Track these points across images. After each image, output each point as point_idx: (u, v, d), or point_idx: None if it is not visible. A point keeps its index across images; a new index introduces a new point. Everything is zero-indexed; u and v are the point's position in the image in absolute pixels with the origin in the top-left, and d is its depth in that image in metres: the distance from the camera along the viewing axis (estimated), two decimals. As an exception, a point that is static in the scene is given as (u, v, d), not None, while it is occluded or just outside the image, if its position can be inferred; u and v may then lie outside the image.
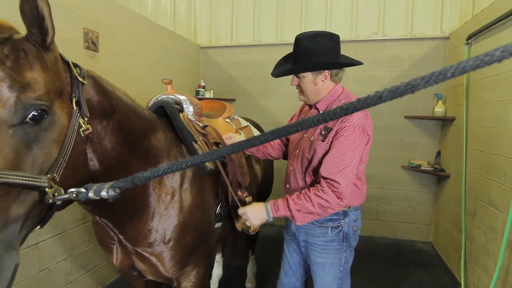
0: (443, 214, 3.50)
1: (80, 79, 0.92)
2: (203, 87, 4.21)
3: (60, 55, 0.90)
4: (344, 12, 3.93)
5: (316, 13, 4.01)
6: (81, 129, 0.88)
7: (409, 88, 0.38)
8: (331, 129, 1.42)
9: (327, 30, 3.96)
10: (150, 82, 3.24)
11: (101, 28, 2.58)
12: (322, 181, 1.37)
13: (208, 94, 4.16)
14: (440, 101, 3.54)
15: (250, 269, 2.75)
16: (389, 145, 3.87)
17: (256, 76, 4.23)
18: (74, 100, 0.88)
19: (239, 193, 1.73)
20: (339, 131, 1.39)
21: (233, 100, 4.26)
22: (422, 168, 3.61)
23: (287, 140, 1.88)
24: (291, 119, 1.90)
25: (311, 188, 1.40)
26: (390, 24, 3.80)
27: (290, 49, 1.55)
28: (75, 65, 0.94)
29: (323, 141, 1.43)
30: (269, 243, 3.66)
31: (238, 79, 4.31)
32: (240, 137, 1.78)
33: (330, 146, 1.40)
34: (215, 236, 1.64)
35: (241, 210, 1.49)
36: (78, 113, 0.87)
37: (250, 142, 0.50)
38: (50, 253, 2.25)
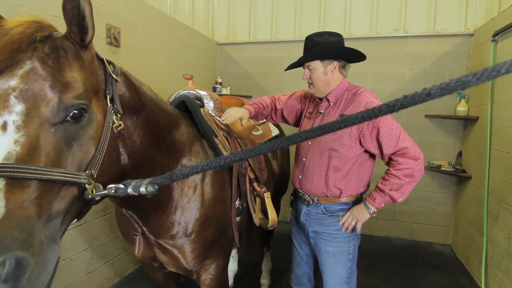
0: (463, 216, 3.41)
1: (114, 76, 0.94)
2: (220, 83, 4.22)
3: (96, 53, 0.91)
4: (364, 7, 3.85)
5: (335, 9, 3.95)
6: (114, 126, 0.89)
7: (459, 85, 0.37)
8: None
9: (347, 26, 3.94)
10: (168, 77, 3.28)
11: (122, 24, 2.61)
12: (393, 157, 1.46)
13: (225, 91, 4.17)
14: (463, 100, 3.43)
15: (265, 265, 2.75)
16: (407, 144, 3.78)
17: (273, 73, 4.21)
18: (108, 97, 0.89)
19: (257, 188, 1.73)
20: (375, 120, 1.45)
21: (250, 96, 4.25)
22: (442, 168, 3.52)
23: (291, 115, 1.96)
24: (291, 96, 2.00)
25: (389, 167, 1.49)
26: (412, 21, 3.70)
27: (308, 46, 1.63)
28: (109, 62, 0.96)
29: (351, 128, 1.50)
30: (284, 240, 3.65)
31: (255, 76, 4.31)
32: (237, 108, 1.78)
33: (371, 135, 1.47)
34: (234, 231, 1.65)
35: (343, 219, 1.57)
36: (112, 110, 0.89)
37: (291, 139, 0.50)
38: (72, 243, 2.32)
